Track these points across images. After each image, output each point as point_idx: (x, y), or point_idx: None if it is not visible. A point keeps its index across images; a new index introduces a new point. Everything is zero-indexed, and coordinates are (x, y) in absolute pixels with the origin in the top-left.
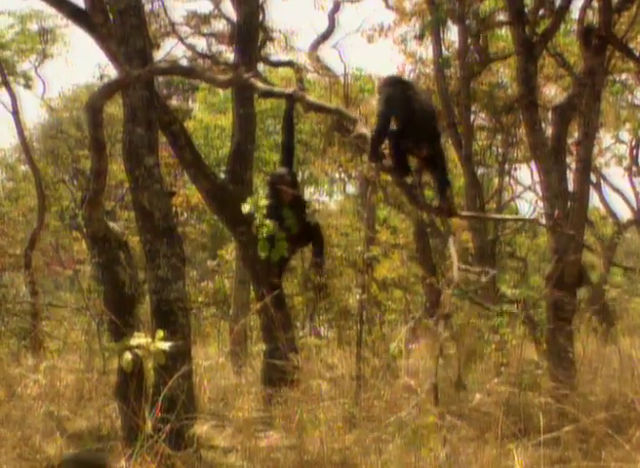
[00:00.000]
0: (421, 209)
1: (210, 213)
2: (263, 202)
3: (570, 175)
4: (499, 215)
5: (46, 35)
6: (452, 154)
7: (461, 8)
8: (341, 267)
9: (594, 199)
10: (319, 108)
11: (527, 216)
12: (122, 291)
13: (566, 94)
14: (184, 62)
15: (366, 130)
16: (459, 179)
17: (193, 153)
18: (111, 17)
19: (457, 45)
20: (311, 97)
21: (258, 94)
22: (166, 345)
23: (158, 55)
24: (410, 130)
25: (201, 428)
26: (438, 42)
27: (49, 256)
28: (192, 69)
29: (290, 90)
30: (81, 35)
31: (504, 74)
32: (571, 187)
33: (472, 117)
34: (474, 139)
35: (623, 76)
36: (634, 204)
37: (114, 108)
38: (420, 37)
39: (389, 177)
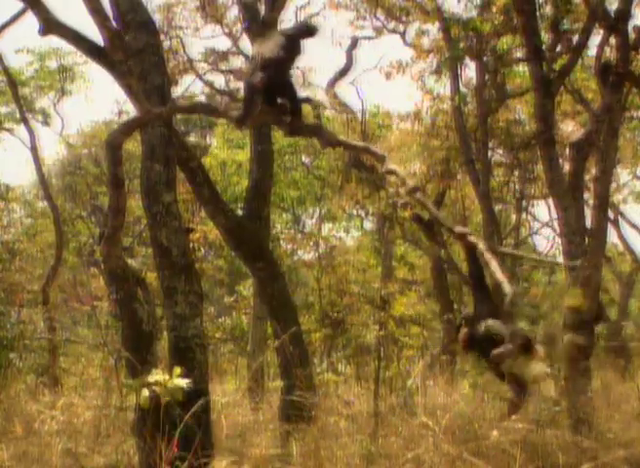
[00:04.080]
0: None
1: (227, 249)
2: None
3: (587, 212)
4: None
5: (65, 72)
6: (469, 190)
7: (479, 45)
8: (359, 304)
9: (612, 235)
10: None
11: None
12: (140, 327)
13: (583, 130)
14: (202, 99)
15: (394, 166)
16: (476, 216)
17: (211, 189)
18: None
19: (474, 81)
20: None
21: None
22: (183, 382)
23: (176, 91)
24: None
25: (218, 465)
26: (456, 78)
27: (67, 293)
28: (215, 108)
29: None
30: (100, 71)
31: (522, 111)
32: (589, 224)
33: (490, 153)
34: (492, 176)
35: None
36: None
37: (132, 145)
38: (438, 74)
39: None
